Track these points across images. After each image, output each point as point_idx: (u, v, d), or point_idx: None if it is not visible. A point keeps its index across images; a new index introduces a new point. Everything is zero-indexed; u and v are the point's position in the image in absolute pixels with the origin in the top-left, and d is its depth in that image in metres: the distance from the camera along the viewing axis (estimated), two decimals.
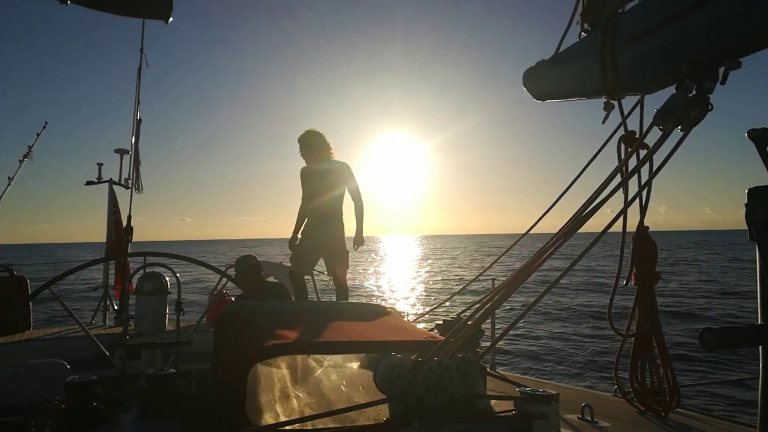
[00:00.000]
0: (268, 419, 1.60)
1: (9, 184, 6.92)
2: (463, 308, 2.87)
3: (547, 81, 2.37)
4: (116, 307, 6.63)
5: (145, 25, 6.87)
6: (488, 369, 3.01)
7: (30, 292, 5.49)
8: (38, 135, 7.37)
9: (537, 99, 2.41)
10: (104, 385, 2.03)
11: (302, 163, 5.49)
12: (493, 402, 1.44)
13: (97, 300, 6.91)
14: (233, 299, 6.08)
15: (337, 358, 1.90)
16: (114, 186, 7.45)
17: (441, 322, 2.73)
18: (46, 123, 7.59)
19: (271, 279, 4.21)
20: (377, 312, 2.39)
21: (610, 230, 1.73)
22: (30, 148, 7.20)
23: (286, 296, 4.08)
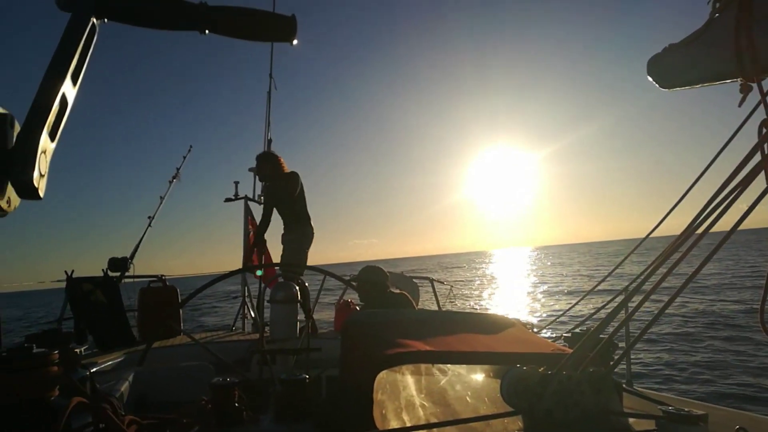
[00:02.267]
0: (395, 425, 1.63)
1: (161, 203, 7.70)
2: (592, 318, 2.72)
3: (675, 66, 2.19)
4: (254, 315, 7.11)
5: (272, 49, 7.35)
6: (624, 385, 2.82)
7: (180, 300, 6.04)
8: (184, 158, 8.15)
9: (663, 87, 2.23)
10: (244, 388, 2.18)
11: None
12: (631, 420, 1.35)
13: (237, 307, 7.45)
14: (358, 308, 6.27)
15: (461, 369, 1.88)
16: (249, 202, 8.03)
17: (569, 334, 2.61)
18: (191, 146, 8.38)
19: (395, 290, 4.28)
20: (502, 323, 2.34)
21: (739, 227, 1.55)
22: (178, 169, 7.97)
23: (410, 306, 4.12)
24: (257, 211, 7.94)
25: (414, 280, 6.61)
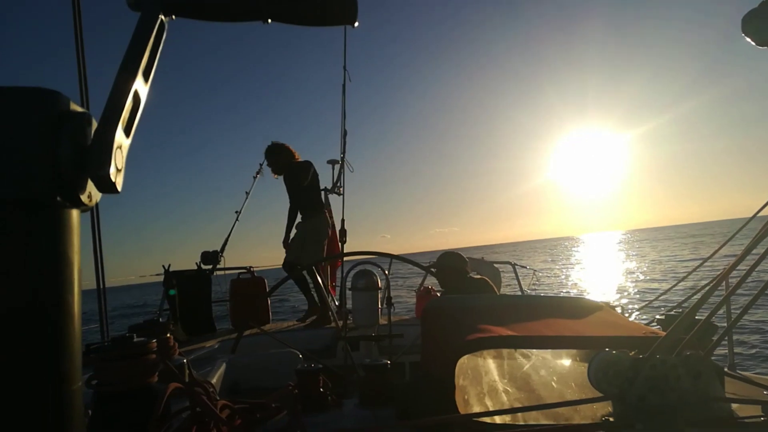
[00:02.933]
0: (478, 410, 1.61)
1: (246, 198, 8.01)
2: (687, 300, 2.55)
3: None
4: (337, 303, 7.28)
5: (345, 42, 7.42)
6: (726, 369, 2.64)
7: (267, 290, 6.27)
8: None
9: (760, 45, 2.04)
10: (328, 373, 2.23)
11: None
12: (734, 406, 1.25)
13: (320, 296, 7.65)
14: (438, 294, 6.25)
15: (546, 354, 1.82)
16: (327, 194, 8.19)
17: (662, 316, 2.46)
18: (272, 142, 8.64)
19: (475, 275, 4.22)
20: (589, 306, 2.24)
21: None
22: (261, 165, 8.25)
23: (491, 292, 4.05)
24: (336, 202, 8.09)
25: (495, 265, 6.51)
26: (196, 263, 6.31)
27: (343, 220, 7.92)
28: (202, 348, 4.56)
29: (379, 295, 4.48)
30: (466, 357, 1.66)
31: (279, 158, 6.55)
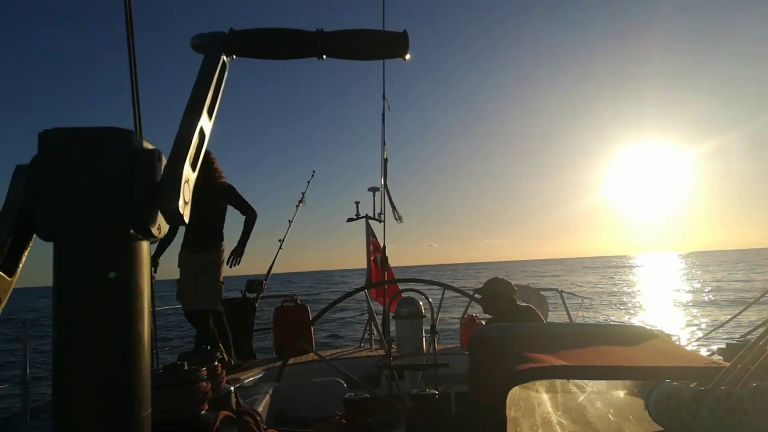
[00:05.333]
0: None
1: (289, 227, 8.13)
2: (751, 329, 2.43)
3: None
4: (380, 331, 7.25)
5: (384, 72, 7.54)
6: None
7: (311, 318, 6.30)
8: (308, 183, 8.56)
9: None
10: (375, 403, 2.21)
11: None
12: None
13: (363, 324, 7.64)
14: (483, 323, 6.14)
15: (601, 385, 1.76)
16: (369, 221, 8.24)
17: (723, 346, 2.35)
18: (314, 171, 8.79)
19: (522, 303, 4.12)
20: (643, 334, 2.16)
21: None
22: (303, 194, 8.39)
23: (538, 320, 3.94)
24: (377, 229, 8.12)
25: (542, 292, 6.37)
26: (241, 291, 6.41)
27: (384, 248, 7.94)
28: (248, 376, 4.60)
29: (424, 323, 4.44)
30: (517, 388, 1.62)
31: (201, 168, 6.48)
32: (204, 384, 1.72)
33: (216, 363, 2.37)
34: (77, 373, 0.49)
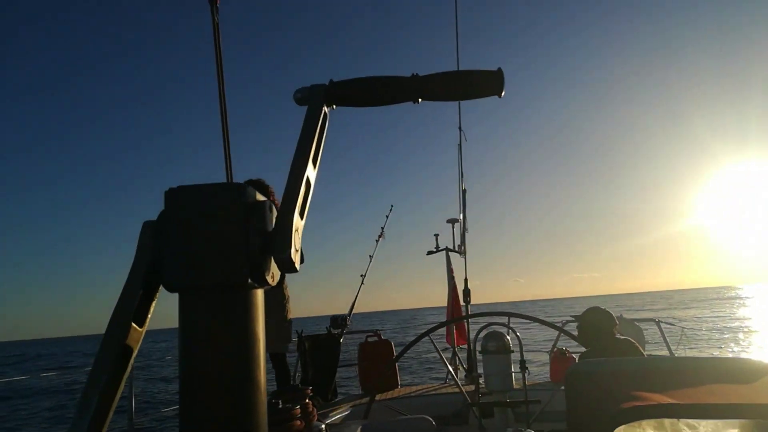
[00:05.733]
0: None
1: (370, 261, 8.21)
2: None
3: None
4: (465, 366, 7.09)
5: (459, 104, 7.58)
6: None
7: (395, 354, 6.28)
8: (387, 217, 8.65)
9: None
10: None
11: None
12: None
13: (447, 360, 7.51)
14: (574, 356, 5.87)
15: (714, 425, 1.63)
16: (450, 253, 8.18)
17: None
18: (392, 206, 8.89)
19: (619, 336, 3.86)
20: (757, 369, 1.98)
21: None
22: (382, 228, 8.48)
23: (638, 354, 3.68)
24: (457, 262, 8.03)
25: (636, 323, 6.02)
26: (327, 327, 6.50)
27: (466, 280, 7.82)
28: (335, 413, 4.62)
29: (512, 358, 4.30)
30: (623, 427, 1.52)
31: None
32: (298, 422, 1.75)
33: (307, 400, 2.41)
34: (201, 413, 0.52)
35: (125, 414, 4.55)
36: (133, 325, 0.56)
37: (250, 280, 0.53)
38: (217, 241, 0.53)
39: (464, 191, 8.05)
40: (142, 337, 0.58)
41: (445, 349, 7.81)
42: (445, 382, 6.93)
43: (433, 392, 5.58)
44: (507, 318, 4.69)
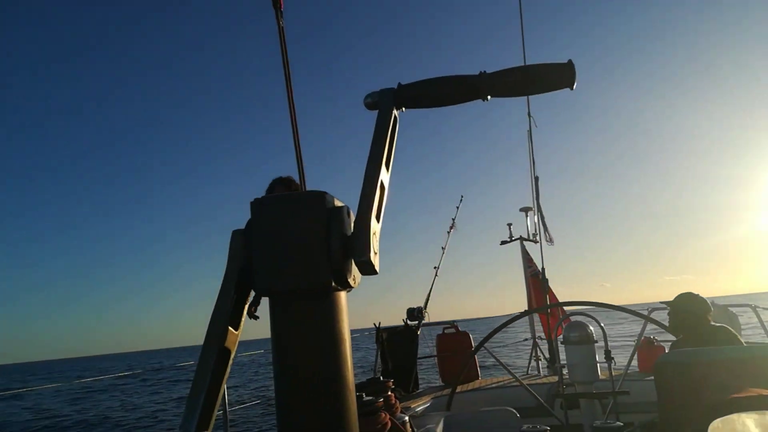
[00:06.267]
0: None
1: (443, 253, 8.19)
2: None
3: None
4: (547, 357, 6.95)
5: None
6: None
7: (473, 346, 6.25)
8: (457, 208, 8.60)
9: None
10: None
11: None
12: None
13: (528, 351, 7.39)
14: (664, 346, 5.61)
15: None
16: (524, 242, 8.03)
17: None
18: (462, 196, 8.82)
19: (714, 323, 3.61)
20: None
21: None
22: (453, 220, 8.43)
23: (735, 342, 3.43)
24: (533, 250, 7.87)
25: (731, 309, 5.66)
26: (403, 320, 6.56)
27: (543, 270, 7.65)
28: (417, 404, 4.66)
29: (596, 348, 4.17)
30: (719, 420, 1.45)
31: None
32: (383, 415, 1.78)
33: (389, 392, 2.45)
34: (297, 410, 0.55)
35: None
36: (230, 328, 0.60)
37: (333, 284, 0.56)
38: (301, 247, 0.56)
39: (536, 178, 7.87)
40: (237, 340, 0.62)
41: (525, 340, 7.68)
42: (526, 374, 6.82)
43: (515, 383, 5.52)
44: (586, 307, 4.56)
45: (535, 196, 7.94)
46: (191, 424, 0.55)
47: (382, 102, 0.71)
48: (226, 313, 0.60)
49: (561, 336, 4.29)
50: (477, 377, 6.17)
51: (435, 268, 8.08)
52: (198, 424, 0.55)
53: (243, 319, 0.62)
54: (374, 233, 0.59)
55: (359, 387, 2.40)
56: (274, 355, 0.57)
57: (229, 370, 0.61)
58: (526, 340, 7.60)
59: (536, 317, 7.69)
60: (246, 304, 0.62)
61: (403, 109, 0.73)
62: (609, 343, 4.16)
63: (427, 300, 7.37)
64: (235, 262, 0.59)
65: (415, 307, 6.79)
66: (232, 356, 0.61)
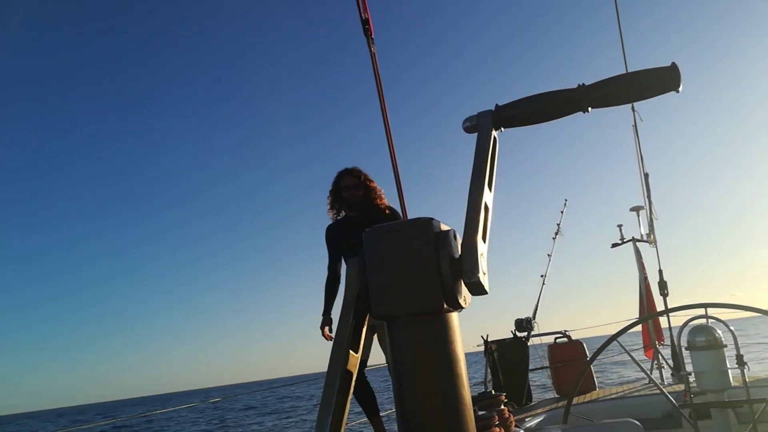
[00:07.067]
0: None
1: (549, 260, 7.94)
2: None
3: None
4: (671, 364, 6.51)
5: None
6: None
7: (588, 355, 5.99)
8: (562, 212, 8.31)
9: None
10: None
11: None
12: None
13: (639, 361, 6.94)
14: None
15: None
16: (637, 243, 7.59)
17: None
18: (566, 200, 8.52)
19: None
20: None
21: None
22: (558, 225, 8.16)
23: None
24: (646, 252, 7.43)
25: None
26: (511, 331, 6.43)
27: (660, 271, 7.19)
28: (531, 418, 4.54)
29: (725, 353, 3.85)
30: None
31: (359, 186, 4.07)
32: (497, 430, 1.76)
33: (502, 406, 2.41)
34: (418, 429, 0.58)
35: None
36: (351, 352, 0.65)
37: (445, 305, 0.58)
38: (413, 271, 0.59)
39: (646, 175, 7.44)
40: (358, 362, 0.66)
41: (640, 348, 7.24)
42: (648, 383, 6.43)
43: (636, 393, 5.22)
44: (706, 310, 4.22)
45: (646, 193, 7.52)
46: None
47: (481, 124, 0.73)
48: (347, 338, 0.64)
49: (684, 341, 4.01)
50: (594, 388, 5.90)
51: (542, 276, 7.85)
52: None
53: (362, 342, 0.67)
54: (482, 254, 0.61)
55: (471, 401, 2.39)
56: (392, 376, 0.61)
57: (351, 391, 0.65)
58: (641, 348, 7.15)
59: (649, 324, 7.23)
60: (363, 328, 0.67)
61: (502, 129, 0.75)
62: (741, 348, 3.84)
63: (536, 310, 7.17)
64: (353, 289, 0.64)
65: (523, 317, 6.64)
66: (354, 378, 0.66)
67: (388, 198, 4.14)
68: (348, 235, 4.01)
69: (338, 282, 4.18)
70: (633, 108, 7.46)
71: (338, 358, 0.64)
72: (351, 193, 3.98)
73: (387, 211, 4.07)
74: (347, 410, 0.64)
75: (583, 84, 0.72)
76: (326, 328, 4.14)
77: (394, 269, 0.60)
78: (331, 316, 4.17)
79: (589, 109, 0.72)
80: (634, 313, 7.51)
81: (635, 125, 7.45)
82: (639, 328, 7.15)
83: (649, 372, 6.90)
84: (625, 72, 0.71)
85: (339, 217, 4.14)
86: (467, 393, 0.60)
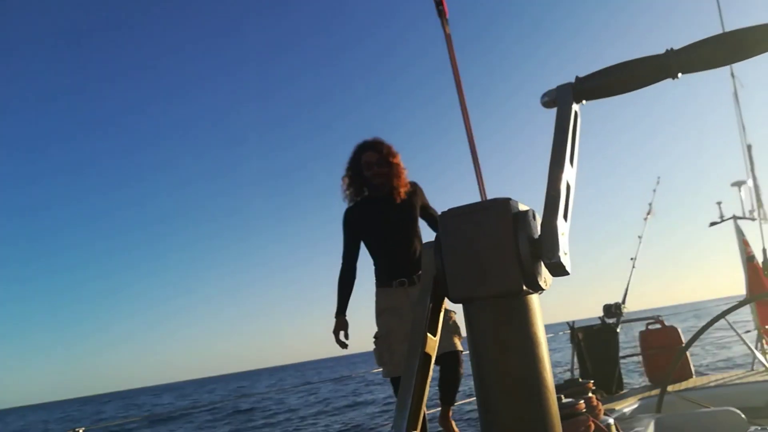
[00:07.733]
0: None
1: (640, 242, 7.56)
2: None
3: None
4: None
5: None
6: None
7: (683, 341, 5.69)
8: (654, 191, 7.86)
9: None
10: None
11: None
12: None
13: (751, 342, 6.48)
14: None
15: None
16: (738, 221, 7.08)
17: None
18: (659, 178, 8.05)
19: None
20: None
21: None
22: (650, 205, 7.73)
23: None
24: (750, 229, 6.90)
25: None
26: (599, 317, 6.20)
27: (765, 250, 6.71)
28: (623, 406, 4.36)
29: None
30: None
31: (381, 160, 3.48)
32: (585, 418, 1.70)
33: (590, 394, 2.33)
34: (499, 412, 0.57)
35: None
36: (428, 335, 0.64)
37: (524, 287, 0.56)
38: (491, 253, 0.57)
39: (749, 147, 6.91)
40: (437, 345, 0.65)
41: (748, 332, 6.77)
42: (752, 369, 6.00)
43: (737, 381, 4.88)
44: None
45: (749, 166, 6.98)
46: (401, 425, 0.59)
47: (561, 98, 0.69)
48: (425, 321, 0.63)
49: None
50: (690, 375, 5.59)
51: (632, 259, 7.48)
52: (407, 425, 0.59)
53: (440, 325, 0.65)
54: (563, 233, 0.58)
55: (557, 389, 2.33)
56: (472, 359, 0.59)
57: (431, 373, 0.64)
58: (748, 332, 6.67)
59: (751, 308, 6.73)
60: (441, 312, 0.65)
61: (584, 102, 0.70)
62: None
63: (625, 295, 6.86)
64: (429, 273, 0.63)
65: (611, 303, 6.38)
66: (433, 359, 0.65)
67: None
68: (374, 219, 3.48)
69: (354, 276, 3.57)
70: (732, 73, 6.91)
71: (417, 340, 0.63)
72: (374, 171, 3.41)
73: (410, 187, 3.53)
74: (426, 393, 0.63)
75: (672, 48, 0.66)
76: (341, 333, 3.45)
77: (471, 252, 0.58)
78: (346, 317, 3.50)
79: (679, 75, 0.66)
80: (737, 291, 7.03)
81: (735, 92, 6.90)
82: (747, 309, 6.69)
83: (753, 360, 6.45)
84: (720, 33, 0.65)
85: (358, 199, 3.56)
86: (550, 377, 0.58)
